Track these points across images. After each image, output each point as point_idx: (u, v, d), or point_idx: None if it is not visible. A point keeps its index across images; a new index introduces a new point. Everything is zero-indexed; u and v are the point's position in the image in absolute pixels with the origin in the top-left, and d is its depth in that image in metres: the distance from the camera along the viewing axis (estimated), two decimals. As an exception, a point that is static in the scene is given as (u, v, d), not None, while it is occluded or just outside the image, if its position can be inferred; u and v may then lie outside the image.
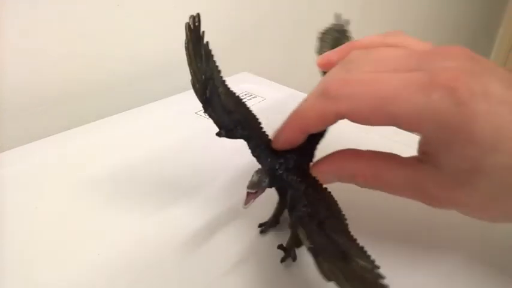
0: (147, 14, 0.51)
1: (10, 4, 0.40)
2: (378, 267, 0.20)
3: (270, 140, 0.29)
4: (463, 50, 0.23)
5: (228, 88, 0.29)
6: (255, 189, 0.25)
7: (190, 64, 0.26)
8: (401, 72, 0.22)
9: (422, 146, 0.23)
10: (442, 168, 0.22)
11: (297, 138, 0.26)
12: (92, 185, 0.34)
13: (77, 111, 0.48)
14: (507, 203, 0.21)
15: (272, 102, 0.49)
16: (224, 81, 0.29)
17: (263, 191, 0.26)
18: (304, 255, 0.27)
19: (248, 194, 0.25)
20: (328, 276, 0.19)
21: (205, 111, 0.26)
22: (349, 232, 0.23)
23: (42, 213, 0.31)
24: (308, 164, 0.29)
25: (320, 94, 0.24)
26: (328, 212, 0.24)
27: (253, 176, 0.25)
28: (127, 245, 0.28)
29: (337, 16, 0.34)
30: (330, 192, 0.26)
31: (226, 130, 0.27)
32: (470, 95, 0.20)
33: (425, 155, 0.23)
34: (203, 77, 0.26)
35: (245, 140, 0.27)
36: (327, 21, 0.35)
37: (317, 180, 0.27)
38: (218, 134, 0.27)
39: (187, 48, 0.26)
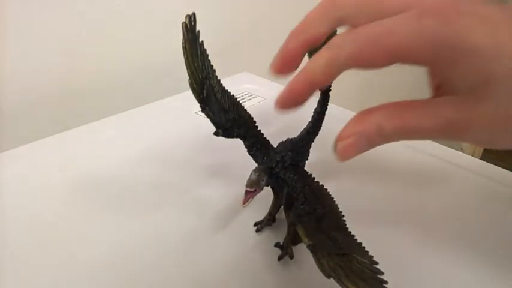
0: (147, 15, 0.52)
1: (10, 4, 0.40)
2: (376, 263, 0.20)
3: (265, 138, 0.29)
4: None
5: (224, 87, 0.29)
6: (254, 187, 0.25)
7: (188, 64, 0.26)
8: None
9: (433, 80, 0.24)
10: (458, 89, 0.22)
11: (305, 95, 0.25)
12: (92, 185, 0.34)
13: (77, 112, 0.48)
14: None
15: (272, 102, 0.49)
16: (219, 80, 0.29)
17: (261, 189, 0.26)
18: (301, 253, 0.27)
19: (247, 192, 0.25)
20: (328, 273, 0.19)
21: (203, 110, 0.26)
22: (346, 229, 0.23)
23: (42, 213, 0.31)
24: (304, 162, 0.29)
25: (325, 47, 0.24)
26: (326, 209, 0.24)
27: (251, 174, 0.25)
28: (127, 245, 0.28)
29: None
30: (327, 190, 0.26)
31: (224, 129, 0.27)
32: (458, 14, 0.21)
33: (438, 89, 0.24)
34: (200, 76, 0.26)
35: (241, 139, 0.28)
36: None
37: (313, 178, 0.27)
38: (216, 133, 0.27)
39: (184, 48, 0.26)
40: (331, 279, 0.19)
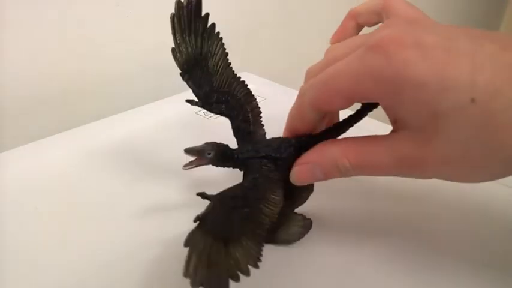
0: (147, 14, 0.52)
1: (10, 4, 0.40)
2: (256, 266, 0.20)
3: (263, 129, 0.30)
4: (404, 18, 0.25)
5: (232, 73, 0.30)
6: (191, 154, 0.25)
7: (174, 34, 0.28)
8: (348, 55, 0.23)
9: (389, 115, 0.23)
10: (410, 125, 0.21)
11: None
12: (92, 185, 0.34)
13: (77, 111, 0.48)
14: (481, 143, 0.20)
15: (272, 102, 0.49)
16: (229, 64, 0.30)
17: (208, 162, 0.26)
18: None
19: (194, 159, 0.25)
20: (185, 243, 0.19)
21: (183, 78, 0.28)
22: (259, 228, 0.22)
23: (42, 213, 0.31)
24: (285, 161, 0.27)
25: (297, 96, 0.27)
26: (255, 202, 0.23)
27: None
28: (127, 245, 0.28)
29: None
30: (281, 192, 0.25)
31: (205, 101, 0.28)
32: (400, 47, 0.20)
33: (394, 123, 0.23)
34: (189, 49, 0.28)
35: (229, 119, 0.28)
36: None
37: (277, 178, 0.26)
38: (189, 101, 0.28)
39: (172, 21, 0.28)
40: None
